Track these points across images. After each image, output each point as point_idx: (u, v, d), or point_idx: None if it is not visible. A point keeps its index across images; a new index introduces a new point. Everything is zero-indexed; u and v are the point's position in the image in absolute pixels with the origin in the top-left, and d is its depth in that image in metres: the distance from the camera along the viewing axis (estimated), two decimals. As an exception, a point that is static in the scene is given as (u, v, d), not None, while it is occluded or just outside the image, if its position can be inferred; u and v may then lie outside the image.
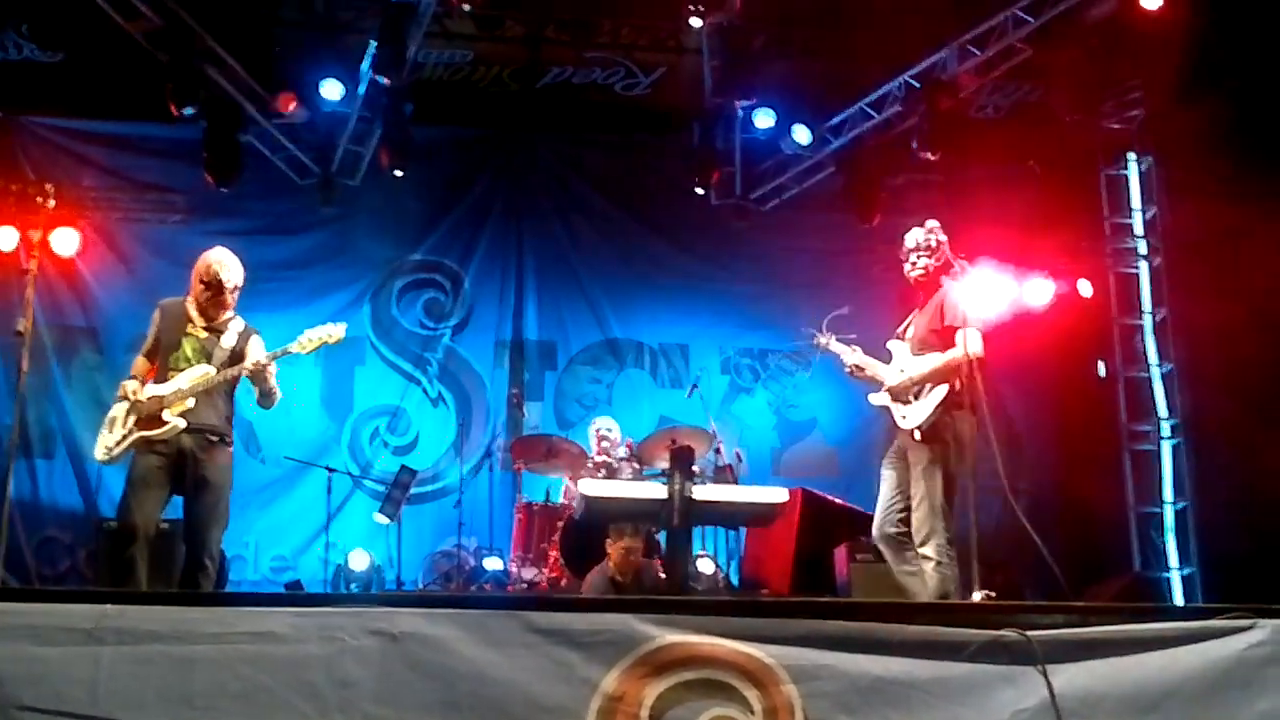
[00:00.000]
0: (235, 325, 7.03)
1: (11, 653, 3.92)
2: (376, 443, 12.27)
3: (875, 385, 6.96)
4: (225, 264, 6.97)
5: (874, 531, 6.85)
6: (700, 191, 12.49)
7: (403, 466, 11.07)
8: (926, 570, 6.59)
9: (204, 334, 6.93)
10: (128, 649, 3.96)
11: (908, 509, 6.72)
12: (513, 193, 12.80)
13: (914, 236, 6.91)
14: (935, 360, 6.77)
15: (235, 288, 6.98)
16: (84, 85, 11.32)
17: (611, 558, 8.52)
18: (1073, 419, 12.65)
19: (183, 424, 6.70)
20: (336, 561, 10.86)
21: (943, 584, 6.55)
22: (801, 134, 12.13)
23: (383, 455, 12.20)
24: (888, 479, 6.84)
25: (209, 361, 6.87)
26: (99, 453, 6.88)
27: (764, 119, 12.13)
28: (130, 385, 6.83)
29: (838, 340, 7.10)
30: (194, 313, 6.96)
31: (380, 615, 4.08)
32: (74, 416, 11.61)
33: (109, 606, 4.06)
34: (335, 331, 7.07)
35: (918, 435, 6.63)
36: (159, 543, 7.02)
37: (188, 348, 6.88)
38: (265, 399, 6.99)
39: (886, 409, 6.84)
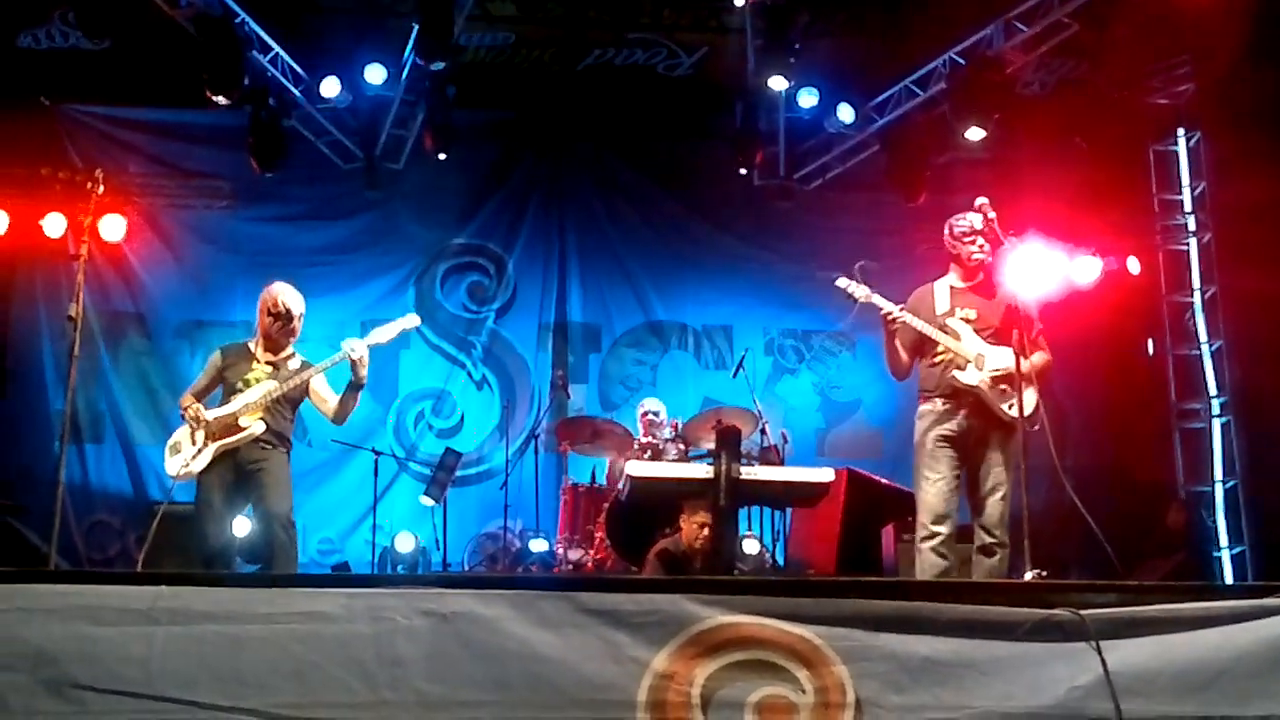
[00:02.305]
0: (297, 358, 7.34)
1: (68, 632, 3.97)
2: (421, 426, 12.34)
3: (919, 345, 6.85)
4: (290, 294, 7.27)
5: (941, 518, 6.70)
6: (743, 172, 12.46)
7: (448, 449, 11.11)
8: (993, 557, 6.60)
9: (268, 367, 7.21)
10: (181, 629, 4.00)
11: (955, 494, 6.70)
12: (555, 175, 12.83)
13: (975, 220, 6.82)
14: (1042, 360, 6.77)
15: (300, 315, 7.28)
16: (130, 73, 11.40)
17: (684, 532, 8.53)
18: (1122, 397, 12.55)
19: (261, 427, 7.00)
20: (383, 544, 10.93)
21: (1002, 566, 6.55)
22: (845, 113, 12.07)
23: (428, 438, 12.28)
24: (946, 460, 6.72)
25: (275, 380, 7.16)
26: (173, 469, 7.08)
27: (808, 98, 12.09)
28: (195, 408, 7.07)
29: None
30: (259, 350, 7.26)
31: (431, 596, 4.11)
32: (123, 401, 11.77)
33: (164, 588, 4.10)
34: (410, 321, 7.48)
35: (1035, 425, 6.56)
36: (178, 525, 7.29)
37: (255, 375, 7.17)
38: (347, 403, 7.23)
39: (974, 390, 6.72)
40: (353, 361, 7.05)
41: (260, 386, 7.09)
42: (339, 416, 7.26)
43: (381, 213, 12.46)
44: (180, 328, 11.90)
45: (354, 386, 7.12)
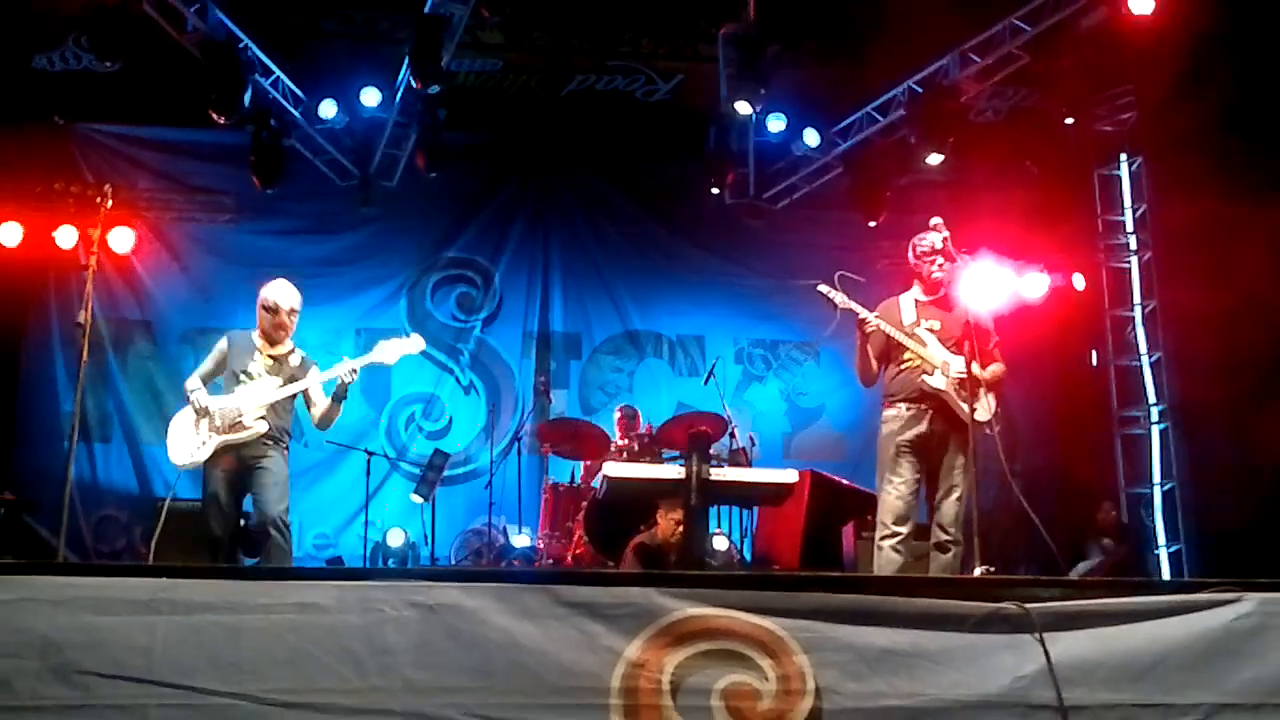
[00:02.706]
0: (297, 354, 7.29)
1: (73, 622, 3.95)
2: (412, 428, 12.31)
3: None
4: (280, 290, 7.21)
5: (902, 519, 6.66)
6: (716, 191, 12.48)
7: (436, 450, 11.10)
8: (948, 553, 6.62)
9: (270, 360, 7.16)
10: (181, 618, 3.98)
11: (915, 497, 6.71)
12: (540, 193, 12.84)
13: (934, 240, 6.84)
14: (999, 370, 6.88)
15: (292, 310, 7.20)
16: (139, 94, 11.34)
17: (661, 527, 8.53)
18: (1067, 405, 12.62)
19: (265, 426, 6.96)
20: (374, 539, 10.90)
21: (955, 562, 6.59)
22: (811, 137, 12.12)
23: (418, 439, 12.25)
24: (909, 464, 6.71)
25: (278, 377, 7.12)
26: (179, 458, 7.05)
27: (776, 123, 12.13)
28: (201, 395, 7.04)
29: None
30: (260, 342, 7.20)
31: (419, 588, 4.09)
32: (130, 403, 11.73)
33: (165, 579, 4.08)
34: (415, 344, 7.36)
35: (992, 429, 6.59)
36: (181, 520, 7.29)
37: (258, 367, 7.13)
38: (330, 413, 7.19)
39: (940, 394, 6.74)
40: (343, 382, 7.04)
41: (262, 384, 7.05)
42: (323, 422, 7.23)
43: (376, 227, 12.43)
44: (185, 334, 11.83)
45: (337, 397, 7.10)
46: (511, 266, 12.71)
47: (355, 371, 7.06)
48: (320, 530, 11.69)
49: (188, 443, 7.00)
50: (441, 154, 11.66)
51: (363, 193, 12.21)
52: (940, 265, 6.86)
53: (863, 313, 6.81)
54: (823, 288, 6.93)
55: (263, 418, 6.98)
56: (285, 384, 7.09)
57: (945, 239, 6.70)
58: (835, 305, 6.83)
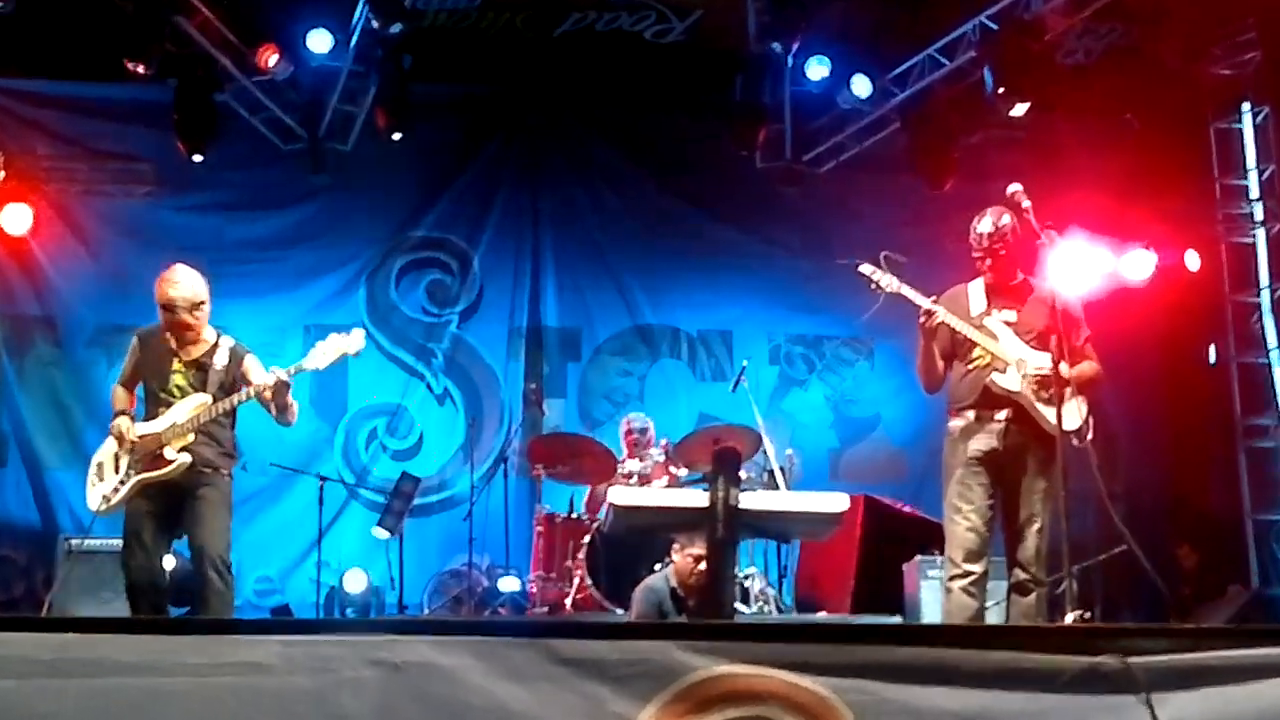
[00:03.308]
0: (224, 346, 7.19)
1: (-41, 688, 3.96)
2: (374, 446, 12.35)
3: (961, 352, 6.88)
4: (175, 280, 7.08)
5: (975, 555, 6.70)
6: (744, 153, 12.48)
7: (404, 473, 11.12)
8: (1030, 596, 6.63)
9: (192, 368, 7.11)
10: (96, 682, 3.98)
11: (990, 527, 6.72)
12: (528, 158, 12.87)
13: (985, 226, 6.83)
14: (1092, 369, 6.88)
15: (194, 304, 7.08)
16: (36, 40, 11.35)
17: (679, 567, 8.55)
18: (1178, 412, 12.60)
19: (188, 459, 6.95)
20: (329, 583, 10.93)
21: (1040, 607, 6.59)
22: (861, 85, 12.09)
23: (381, 460, 12.29)
24: (980, 486, 6.74)
25: (205, 390, 7.07)
26: (93, 503, 7.07)
27: (818, 69, 12.11)
28: (123, 424, 7.04)
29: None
30: (174, 344, 7.15)
31: (381, 644, 4.09)
32: (29, 419, 11.73)
33: (72, 635, 4.08)
34: (353, 343, 7.24)
35: (1083, 439, 6.59)
36: (93, 563, 7.26)
37: (178, 379, 7.09)
38: (283, 415, 7.19)
39: (1015, 396, 6.75)
40: (263, 401, 7.02)
41: (188, 402, 7.03)
42: (282, 422, 7.23)
43: (327, 201, 12.47)
44: (96, 334, 11.86)
45: (278, 409, 7.10)
46: (494, 247, 12.74)
47: (280, 386, 6.96)
48: (263, 573, 11.72)
49: (105, 482, 7.02)
50: (407, 111, 11.69)
51: (311, 159, 12.22)
52: (986, 262, 6.86)
53: (921, 301, 6.80)
54: (866, 268, 6.94)
55: (188, 447, 6.95)
56: (219, 397, 7.05)
57: (1023, 211, 6.69)
58: (881, 289, 6.84)
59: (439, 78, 12.14)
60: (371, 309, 12.48)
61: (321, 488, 10.57)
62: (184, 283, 7.08)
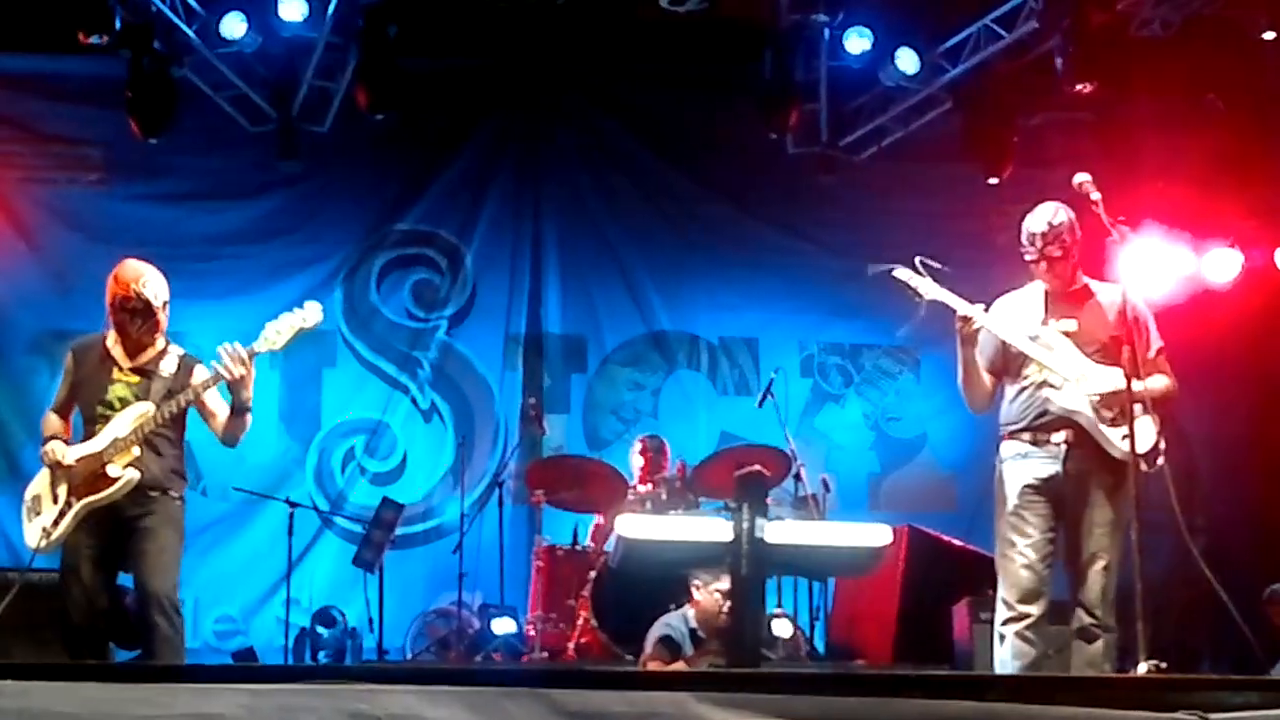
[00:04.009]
0: (172, 353, 7.17)
1: (-119, 742, 3.97)
2: (351, 468, 12.36)
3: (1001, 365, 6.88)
4: (148, 277, 7.04)
5: (1032, 595, 6.72)
6: (774, 138, 12.48)
7: (385, 499, 11.13)
8: (1096, 642, 6.63)
9: (135, 376, 7.07)
10: (33, 736, 4.00)
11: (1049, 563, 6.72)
12: (528, 141, 12.89)
13: (1035, 223, 6.82)
14: (1165, 386, 6.83)
15: (164, 303, 7.08)
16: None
17: (698, 607, 8.55)
18: (1267, 435, 12.57)
19: (136, 475, 6.89)
20: (300, 624, 10.93)
21: (1109, 655, 6.59)
22: (907, 60, 12.07)
23: (359, 485, 12.32)
24: (1038, 518, 6.74)
25: (148, 399, 7.01)
26: (32, 539, 7.02)
27: (858, 41, 12.08)
28: (55, 448, 7.00)
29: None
30: (118, 352, 7.10)
31: (360, 694, 4.09)
32: (-40, 435, 11.76)
33: (7, 683, 4.09)
34: (309, 315, 7.19)
35: (1154, 465, 6.58)
36: (32, 600, 7.23)
37: (119, 390, 7.04)
38: (233, 427, 7.12)
39: (1075, 416, 6.74)
40: (229, 383, 6.98)
41: (129, 413, 6.97)
42: (228, 439, 7.18)
43: (301, 190, 12.52)
44: (36, 340, 11.88)
45: (237, 410, 7.05)
46: (488, 243, 12.77)
47: (246, 376, 6.92)
48: (224, 611, 11.76)
49: (43, 515, 6.97)
50: (392, 87, 11.68)
51: (282, 142, 12.24)
52: (1041, 265, 6.85)
53: (961, 306, 6.79)
54: (901, 273, 6.93)
55: (135, 462, 6.92)
56: (163, 405, 7.00)
57: (1093, 202, 6.68)
58: (921, 297, 6.83)
59: (428, 50, 12.12)
60: (349, 313, 12.50)
61: (291, 515, 10.58)
62: (154, 279, 7.04)
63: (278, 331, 7.13)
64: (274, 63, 12.05)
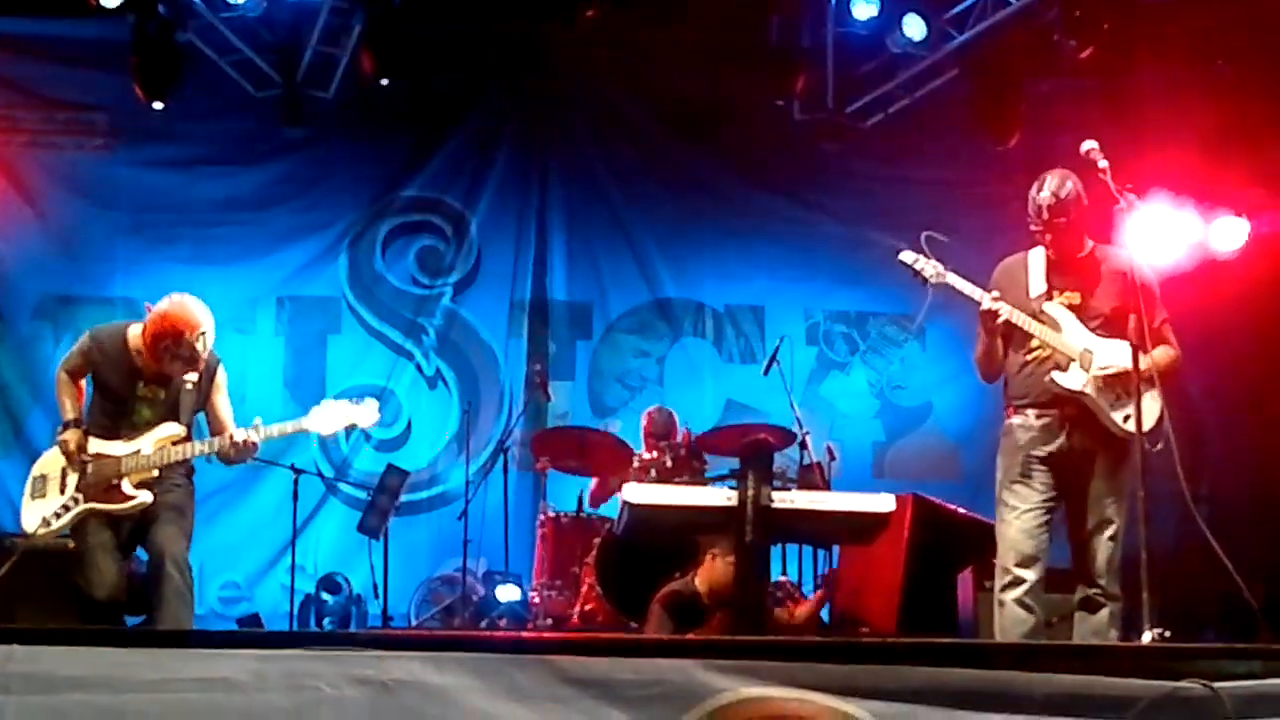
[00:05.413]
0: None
1: (-111, 706, 3.99)
2: (356, 435, 12.33)
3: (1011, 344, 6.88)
4: (206, 330, 6.94)
5: (1029, 560, 6.71)
6: (780, 104, 12.45)
7: (389, 466, 11.13)
8: (1101, 612, 6.66)
9: (160, 391, 7.06)
10: (41, 699, 4.01)
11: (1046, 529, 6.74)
12: (534, 109, 12.84)
13: (1043, 195, 6.79)
14: (1169, 356, 6.82)
15: (204, 332, 6.97)
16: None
17: (703, 574, 8.55)
18: (1273, 404, 12.55)
19: (149, 498, 6.90)
20: (305, 590, 10.96)
21: (1113, 624, 6.62)
22: (914, 26, 12.03)
23: (364, 451, 12.34)
24: (1042, 485, 6.77)
25: (176, 415, 7.03)
26: (31, 524, 7.00)
27: (864, 7, 12.04)
28: (72, 439, 6.96)
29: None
30: (141, 363, 7.05)
31: (367, 659, 4.12)
32: (-36, 401, 11.77)
33: (16, 647, 4.11)
34: (366, 415, 7.27)
35: (1158, 441, 6.58)
36: (56, 565, 7.23)
37: (146, 409, 7.04)
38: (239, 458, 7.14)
39: (1079, 397, 6.76)
40: (228, 459, 7.02)
41: (158, 432, 6.97)
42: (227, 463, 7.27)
43: (305, 156, 12.49)
44: (41, 305, 11.89)
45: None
46: (494, 209, 12.76)
47: (248, 449, 6.96)
48: (229, 578, 11.79)
49: (47, 501, 6.97)
50: (397, 53, 11.66)
51: (287, 108, 12.21)
52: (1045, 237, 6.83)
53: (975, 294, 6.80)
54: (907, 256, 6.93)
55: (151, 483, 6.92)
56: (189, 419, 7.04)
57: (1101, 171, 6.66)
58: (926, 280, 6.82)
59: (433, 16, 12.08)
60: (354, 279, 12.50)
61: (296, 482, 10.55)
62: (210, 333, 6.97)
63: (329, 418, 7.24)
64: (279, 27, 12.01)
